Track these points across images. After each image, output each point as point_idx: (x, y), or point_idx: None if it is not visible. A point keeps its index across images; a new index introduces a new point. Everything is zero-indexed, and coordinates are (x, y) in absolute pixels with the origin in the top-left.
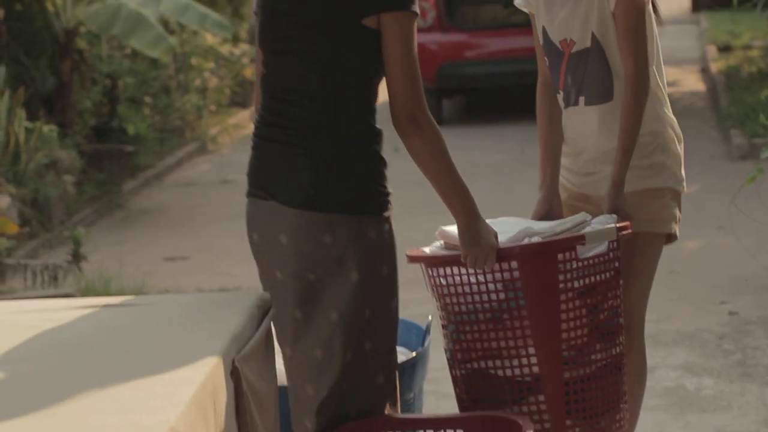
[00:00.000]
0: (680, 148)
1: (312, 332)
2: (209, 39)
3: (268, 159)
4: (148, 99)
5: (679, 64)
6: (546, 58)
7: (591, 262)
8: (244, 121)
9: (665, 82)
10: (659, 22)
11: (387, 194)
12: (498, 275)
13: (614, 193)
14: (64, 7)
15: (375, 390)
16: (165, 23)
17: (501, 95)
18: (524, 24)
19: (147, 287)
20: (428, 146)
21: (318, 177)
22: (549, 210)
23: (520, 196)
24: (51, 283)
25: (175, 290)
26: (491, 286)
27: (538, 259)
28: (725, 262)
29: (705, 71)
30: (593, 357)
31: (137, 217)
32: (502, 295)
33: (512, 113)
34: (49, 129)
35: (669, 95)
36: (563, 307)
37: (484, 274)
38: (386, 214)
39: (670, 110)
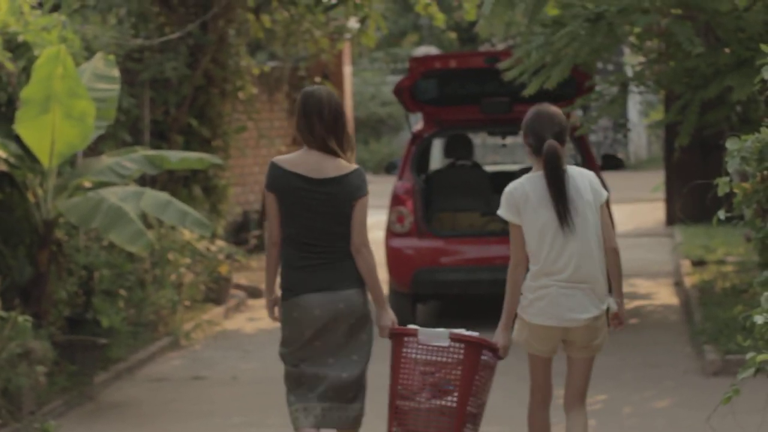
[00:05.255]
0: (527, 301)
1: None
2: (186, 234)
3: None
4: (123, 292)
5: (653, 277)
6: None
7: (430, 347)
8: (218, 317)
9: (538, 264)
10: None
11: None
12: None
13: (498, 331)
14: (44, 199)
15: None
16: (144, 217)
17: (476, 303)
18: (501, 233)
19: None
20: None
21: None
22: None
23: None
24: None
25: None
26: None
27: (396, 335)
28: None
29: (679, 285)
30: (420, 399)
31: (107, 410)
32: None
33: (486, 321)
34: (23, 319)
35: (642, 307)
36: (402, 364)
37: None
38: None
39: (535, 278)
